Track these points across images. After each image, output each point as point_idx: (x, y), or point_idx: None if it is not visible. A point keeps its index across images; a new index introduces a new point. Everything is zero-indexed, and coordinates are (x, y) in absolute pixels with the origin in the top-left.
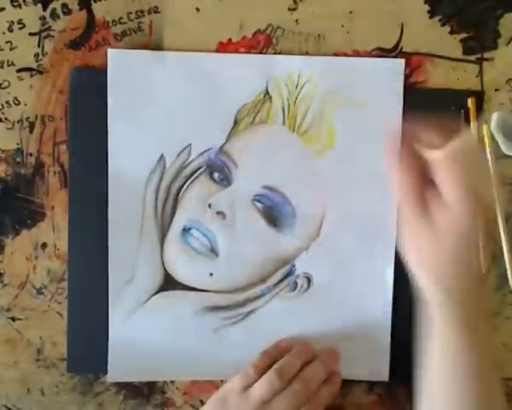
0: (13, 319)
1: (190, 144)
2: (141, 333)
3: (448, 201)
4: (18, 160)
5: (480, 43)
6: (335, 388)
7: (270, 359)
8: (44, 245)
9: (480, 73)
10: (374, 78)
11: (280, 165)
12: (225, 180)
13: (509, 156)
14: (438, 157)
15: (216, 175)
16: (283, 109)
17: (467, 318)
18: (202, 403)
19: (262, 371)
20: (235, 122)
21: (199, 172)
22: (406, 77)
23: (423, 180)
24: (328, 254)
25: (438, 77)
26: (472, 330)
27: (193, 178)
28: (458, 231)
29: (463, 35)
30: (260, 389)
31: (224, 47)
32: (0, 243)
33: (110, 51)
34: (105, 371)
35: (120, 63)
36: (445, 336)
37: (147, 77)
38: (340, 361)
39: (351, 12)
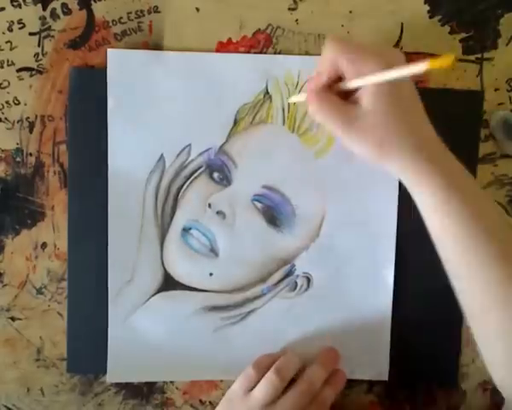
0: (13, 319)
1: (190, 144)
2: (140, 333)
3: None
4: (18, 160)
5: (480, 43)
6: (339, 386)
7: (272, 359)
8: (44, 245)
9: (480, 73)
10: None
11: (280, 165)
12: (225, 180)
13: (509, 156)
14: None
15: (216, 175)
16: (283, 109)
17: (434, 165)
18: (202, 403)
19: (263, 370)
20: (235, 122)
21: (199, 172)
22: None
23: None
24: (328, 254)
25: (438, 77)
26: (447, 182)
27: (193, 177)
28: (379, 95)
29: (463, 35)
30: (261, 391)
31: (223, 47)
32: (0, 243)
33: (110, 51)
34: (105, 372)
35: (120, 63)
36: (428, 196)
37: (146, 77)
38: (340, 359)
39: (351, 12)
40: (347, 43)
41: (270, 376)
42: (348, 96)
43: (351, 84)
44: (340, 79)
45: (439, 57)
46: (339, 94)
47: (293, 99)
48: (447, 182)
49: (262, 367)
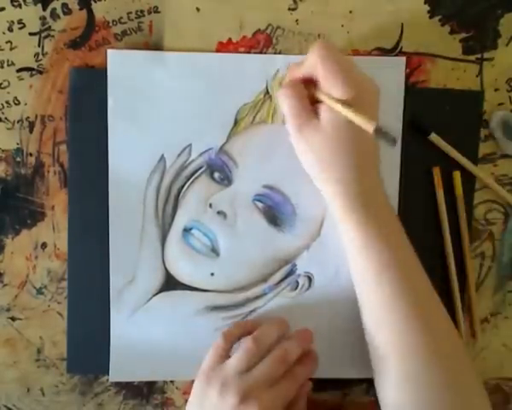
0: (13, 319)
1: (191, 144)
2: (142, 333)
3: (326, 92)
4: (18, 160)
5: (480, 43)
6: (312, 366)
7: (242, 329)
8: (44, 245)
9: (480, 73)
10: (374, 76)
11: (280, 164)
12: (226, 180)
13: (509, 156)
14: (310, 62)
15: (216, 175)
16: None
17: (364, 207)
18: None
19: (233, 340)
20: (236, 122)
21: (199, 172)
22: (406, 77)
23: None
24: (329, 253)
25: (438, 77)
26: (372, 220)
27: (193, 178)
28: (337, 122)
29: (463, 35)
30: (237, 359)
31: (224, 47)
32: (0, 243)
33: (110, 51)
34: (105, 372)
35: (120, 63)
36: (347, 231)
37: (147, 77)
38: (312, 339)
39: (351, 12)
40: (331, 55)
41: (247, 344)
42: (316, 102)
43: (319, 94)
44: (315, 82)
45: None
46: (310, 96)
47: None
48: (372, 229)
49: (232, 338)
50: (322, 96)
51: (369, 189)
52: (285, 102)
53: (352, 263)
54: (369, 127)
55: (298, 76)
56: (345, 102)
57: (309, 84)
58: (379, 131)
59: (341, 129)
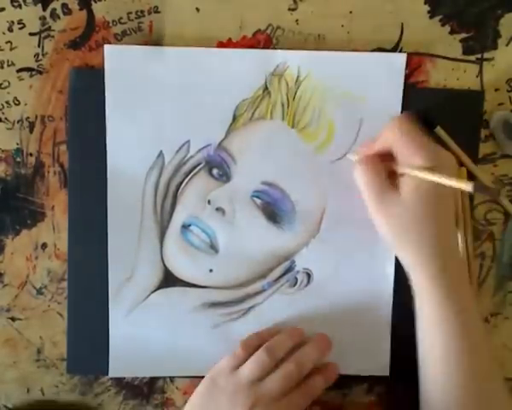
0: (13, 319)
1: (189, 141)
2: (141, 330)
3: (406, 165)
4: (18, 160)
5: (480, 43)
6: (330, 378)
7: (261, 339)
8: (44, 245)
9: (480, 73)
10: (374, 73)
11: (279, 161)
12: (224, 176)
13: (509, 156)
14: (389, 133)
15: (215, 171)
16: (282, 105)
17: (440, 283)
18: None
19: (251, 350)
20: (234, 118)
21: (198, 168)
22: (406, 77)
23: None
24: (328, 249)
25: (438, 77)
26: (448, 296)
27: (192, 174)
28: (419, 191)
29: (463, 35)
30: (250, 368)
31: (224, 47)
32: (0, 243)
33: (107, 47)
34: (105, 372)
35: (117, 59)
36: (423, 305)
37: (144, 73)
38: (331, 347)
39: (351, 12)
40: (409, 128)
41: (259, 354)
42: (393, 176)
43: (398, 167)
44: (390, 156)
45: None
46: (386, 170)
47: (349, 157)
48: (448, 303)
49: (251, 347)
50: (405, 168)
51: (448, 257)
52: (364, 177)
53: (422, 337)
54: (470, 187)
55: (373, 151)
56: (431, 170)
57: (384, 159)
58: (479, 188)
59: (423, 200)
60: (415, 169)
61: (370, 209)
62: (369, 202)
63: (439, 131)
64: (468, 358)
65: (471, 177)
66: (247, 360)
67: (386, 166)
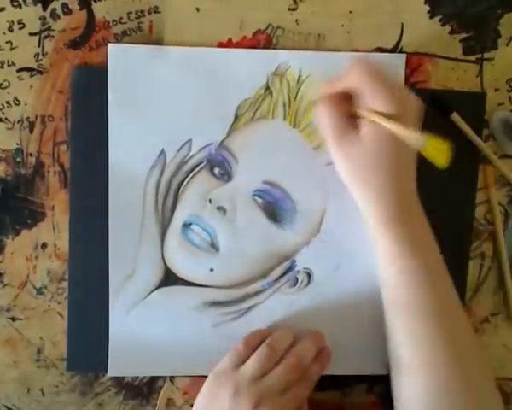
0: (13, 319)
1: (191, 139)
2: (141, 328)
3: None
4: (18, 160)
5: (480, 43)
6: (326, 363)
7: (262, 336)
8: (44, 245)
9: (480, 73)
10: None
11: (280, 160)
12: (226, 175)
13: (509, 156)
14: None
15: (216, 170)
16: (284, 105)
17: (399, 221)
18: None
19: (253, 347)
20: (236, 117)
21: (199, 167)
22: (406, 77)
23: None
24: (329, 249)
25: (438, 77)
26: (407, 236)
27: (193, 173)
28: (379, 135)
29: (463, 35)
30: (252, 365)
31: (224, 47)
32: (0, 243)
33: (110, 46)
34: (105, 371)
35: (120, 58)
36: (380, 243)
37: (147, 72)
38: (324, 339)
39: (351, 12)
40: (376, 71)
41: (261, 350)
42: (353, 117)
43: (360, 109)
44: (351, 97)
45: (436, 144)
46: (347, 110)
47: (312, 97)
48: (403, 244)
49: (252, 344)
50: (364, 112)
51: (406, 202)
52: (325, 116)
53: (382, 274)
54: (418, 142)
55: (335, 91)
56: (389, 117)
57: (346, 100)
58: (431, 147)
59: (382, 142)
60: (374, 114)
61: (331, 149)
62: (329, 142)
63: (455, 116)
64: (427, 294)
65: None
66: (248, 357)
67: (347, 107)
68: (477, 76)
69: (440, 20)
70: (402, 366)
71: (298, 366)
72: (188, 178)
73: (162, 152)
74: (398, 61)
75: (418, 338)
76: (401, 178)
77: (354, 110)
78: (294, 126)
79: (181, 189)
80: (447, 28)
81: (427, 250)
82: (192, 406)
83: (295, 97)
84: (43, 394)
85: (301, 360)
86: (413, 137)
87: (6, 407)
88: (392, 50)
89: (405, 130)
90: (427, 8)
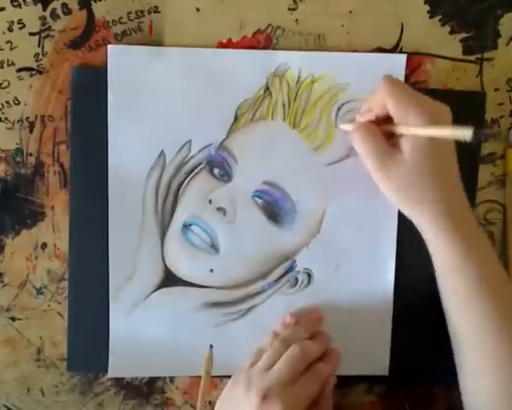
0: (13, 319)
1: (190, 140)
2: (141, 329)
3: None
4: (18, 160)
5: (480, 43)
6: (335, 362)
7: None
8: (44, 245)
9: (480, 73)
10: (375, 73)
11: (280, 161)
12: (226, 176)
13: None
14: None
15: (216, 171)
16: (283, 105)
17: (454, 227)
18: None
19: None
20: (236, 118)
21: (199, 168)
22: (406, 77)
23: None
24: (329, 249)
25: (438, 77)
26: (462, 242)
27: (193, 174)
28: (420, 149)
29: (463, 35)
30: (263, 358)
31: (224, 47)
32: (0, 243)
33: (110, 47)
34: (105, 371)
35: (120, 59)
36: (437, 253)
37: (147, 73)
38: (321, 320)
39: (351, 12)
40: (400, 88)
41: (274, 344)
42: (392, 137)
43: (395, 128)
44: (387, 118)
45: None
46: (384, 132)
47: (342, 127)
48: (463, 249)
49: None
50: (402, 128)
51: (457, 208)
52: (363, 145)
53: (442, 284)
54: (466, 134)
55: (369, 117)
56: (428, 124)
57: (380, 121)
58: (478, 134)
59: (425, 154)
60: (411, 128)
61: (373, 175)
62: (371, 168)
63: None
64: (488, 297)
65: (473, 178)
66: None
67: (383, 129)
68: (477, 76)
69: (440, 20)
70: (467, 367)
71: (301, 356)
72: (187, 179)
73: (162, 153)
74: (399, 61)
75: (481, 346)
76: (450, 182)
77: (391, 130)
78: (294, 127)
79: (181, 190)
80: (447, 28)
81: (484, 256)
82: (192, 406)
83: (295, 98)
84: (43, 394)
85: (305, 350)
86: (459, 132)
87: (6, 407)
88: (392, 50)
89: (448, 129)
90: (427, 8)
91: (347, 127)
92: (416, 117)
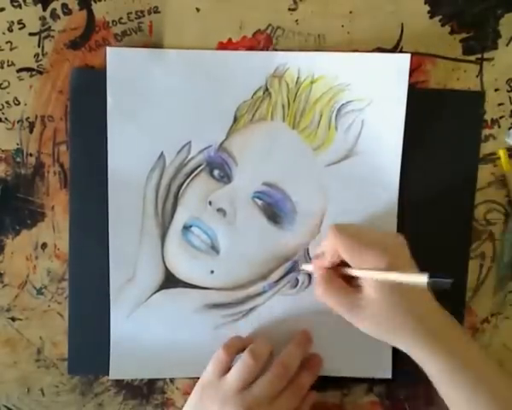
0: (13, 319)
1: (190, 142)
2: (142, 331)
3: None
4: (18, 160)
5: (480, 43)
6: (316, 370)
7: (242, 342)
8: (44, 245)
9: (480, 73)
10: (376, 73)
11: (280, 161)
12: (225, 177)
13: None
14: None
15: (216, 172)
16: (283, 106)
17: (442, 344)
18: None
19: (234, 353)
20: (235, 119)
21: (199, 169)
22: None
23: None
24: None
25: (438, 77)
26: (454, 354)
27: (193, 175)
28: (382, 290)
29: (463, 35)
30: (237, 375)
31: (224, 47)
32: (0, 243)
33: (109, 49)
34: (106, 372)
35: (119, 61)
36: (432, 369)
37: (146, 75)
38: (312, 341)
39: (351, 12)
40: (348, 233)
41: (244, 358)
42: (352, 279)
43: (352, 272)
44: (343, 262)
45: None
46: (343, 276)
47: (304, 267)
48: (452, 365)
49: (233, 351)
50: (355, 272)
51: (439, 324)
52: (327, 300)
53: (443, 392)
54: (421, 280)
55: (324, 264)
56: (383, 269)
57: (336, 267)
58: (432, 282)
59: (390, 290)
60: (368, 272)
61: (347, 319)
62: (342, 315)
63: None
64: (486, 396)
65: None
66: (231, 363)
67: (343, 272)
68: (477, 76)
69: (440, 20)
70: None
71: (284, 374)
72: (187, 181)
73: (161, 155)
74: (403, 61)
75: None
76: (423, 303)
77: (349, 273)
78: (294, 128)
79: (181, 191)
80: (447, 28)
81: (475, 359)
82: None
83: (294, 99)
84: (43, 394)
85: (288, 368)
86: (413, 278)
87: (6, 407)
88: (392, 50)
89: (403, 275)
90: (427, 8)
91: (308, 268)
92: (369, 260)
